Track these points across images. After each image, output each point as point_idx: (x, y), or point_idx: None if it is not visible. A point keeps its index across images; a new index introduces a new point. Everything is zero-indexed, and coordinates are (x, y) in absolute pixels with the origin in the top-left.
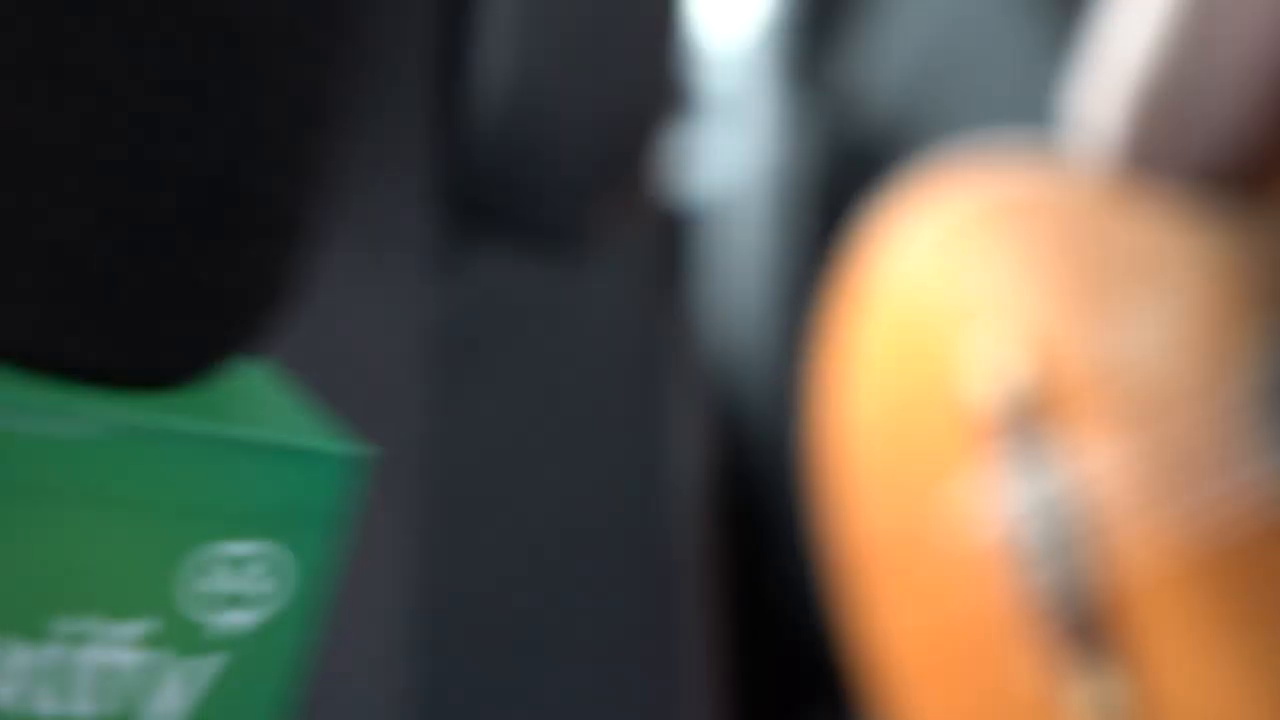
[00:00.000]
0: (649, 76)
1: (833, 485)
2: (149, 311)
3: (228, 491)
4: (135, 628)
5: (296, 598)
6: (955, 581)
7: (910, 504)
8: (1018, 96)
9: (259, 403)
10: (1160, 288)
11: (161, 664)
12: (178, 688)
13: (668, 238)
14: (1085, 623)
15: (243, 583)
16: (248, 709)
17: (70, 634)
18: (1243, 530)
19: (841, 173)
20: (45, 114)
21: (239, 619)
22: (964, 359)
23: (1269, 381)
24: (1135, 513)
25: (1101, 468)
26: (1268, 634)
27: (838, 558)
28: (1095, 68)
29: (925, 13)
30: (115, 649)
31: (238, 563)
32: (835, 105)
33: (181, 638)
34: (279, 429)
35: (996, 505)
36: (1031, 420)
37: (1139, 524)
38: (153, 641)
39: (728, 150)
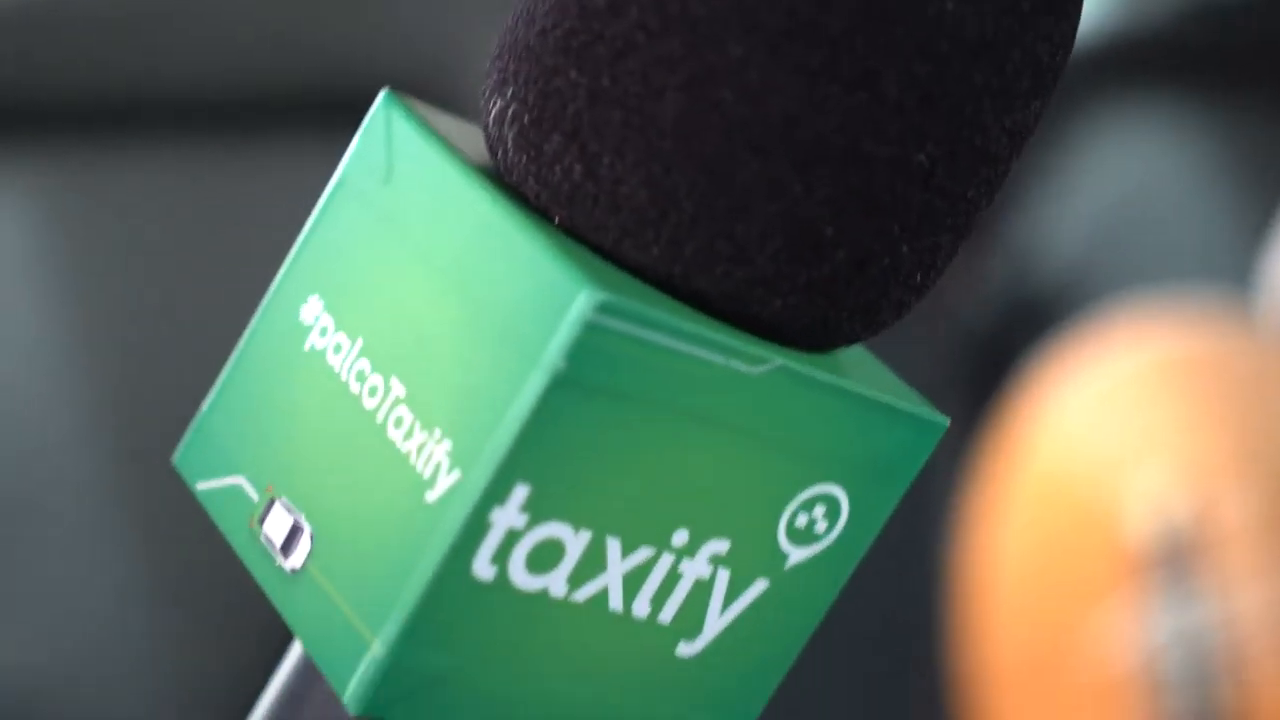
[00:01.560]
0: None
1: (976, 617)
2: (846, 285)
3: (837, 439)
4: (719, 545)
5: (842, 544)
6: (1086, 708)
7: (1050, 634)
8: (1204, 259)
9: (868, 370)
10: None
11: (719, 583)
12: (722, 607)
13: None
14: None
15: (809, 521)
16: (770, 640)
17: (677, 545)
18: None
19: (1012, 326)
20: (828, 108)
21: (794, 553)
22: (1122, 496)
23: None
24: (1274, 651)
25: (1248, 607)
26: None
27: (972, 689)
28: None
29: (1112, 170)
30: (694, 563)
31: (813, 502)
32: (1011, 258)
33: (746, 561)
34: (884, 391)
35: (1139, 635)
36: (1184, 558)
37: (1276, 661)
38: (724, 560)
39: None
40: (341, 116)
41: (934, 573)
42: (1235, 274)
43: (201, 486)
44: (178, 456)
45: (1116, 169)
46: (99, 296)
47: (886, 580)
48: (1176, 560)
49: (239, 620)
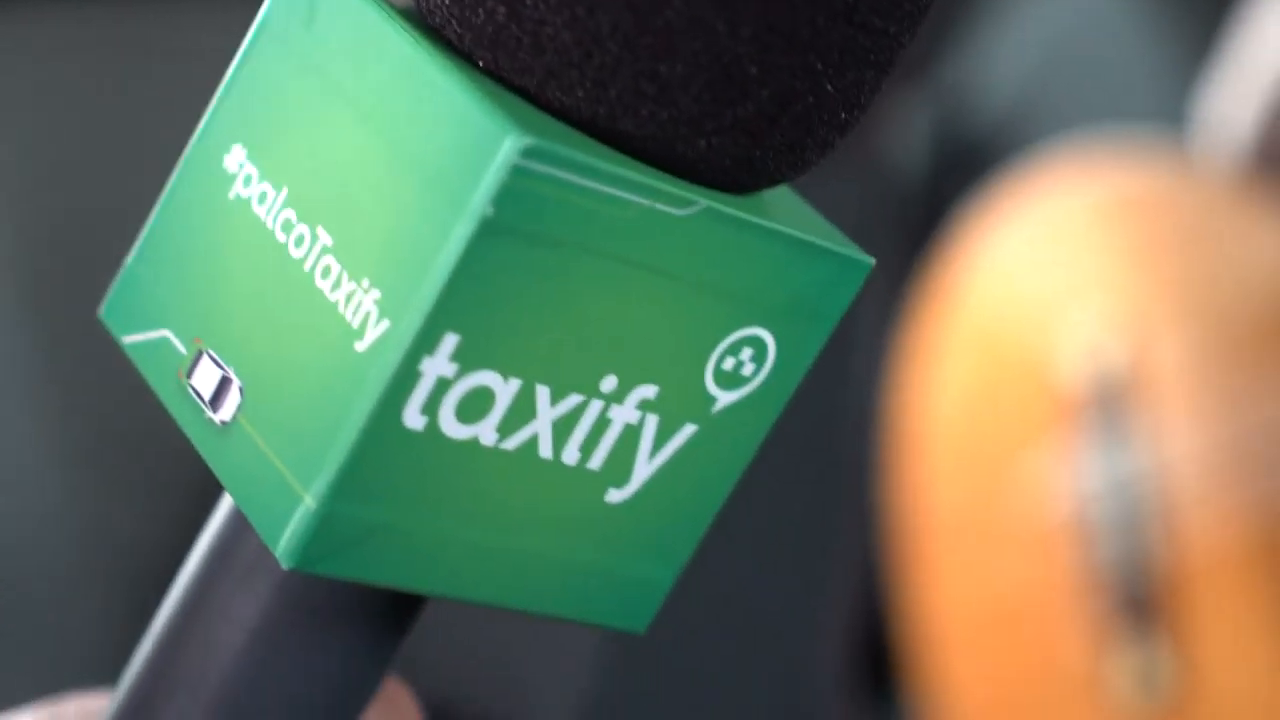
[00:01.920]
0: None
1: (909, 459)
2: (771, 124)
3: (763, 280)
4: (648, 391)
5: (770, 387)
6: (1016, 553)
7: (983, 478)
8: (1141, 99)
9: (793, 210)
10: (1247, 284)
11: (648, 428)
12: (650, 453)
13: None
14: (1140, 599)
15: (736, 364)
16: (698, 485)
17: (605, 391)
18: None
19: (948, 168)
20: None
21: (722, 397)
22: (1057, 339)
23: None
24: (1207, 497)
25: (1180, 452)
26: None
27: (904, 530)
28: (1231, 70)
29: (1048, 13)
30: (622, 409)
31: (740, 345)
32: (946, 99)
33: (674, 406)
34: (809, 231)
35: (1070, 481)
36: (1116, 401)
37: (1209, 508)
38: (652, 406)
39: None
40: None
41: (866, 420)
42: (1172, 114)
43: (128, 340)
44: (104, 309)
45: (1053, 7)
46: (22, 150)
47: (818, 429)
48: (1109, 405)
49: (167, 475)
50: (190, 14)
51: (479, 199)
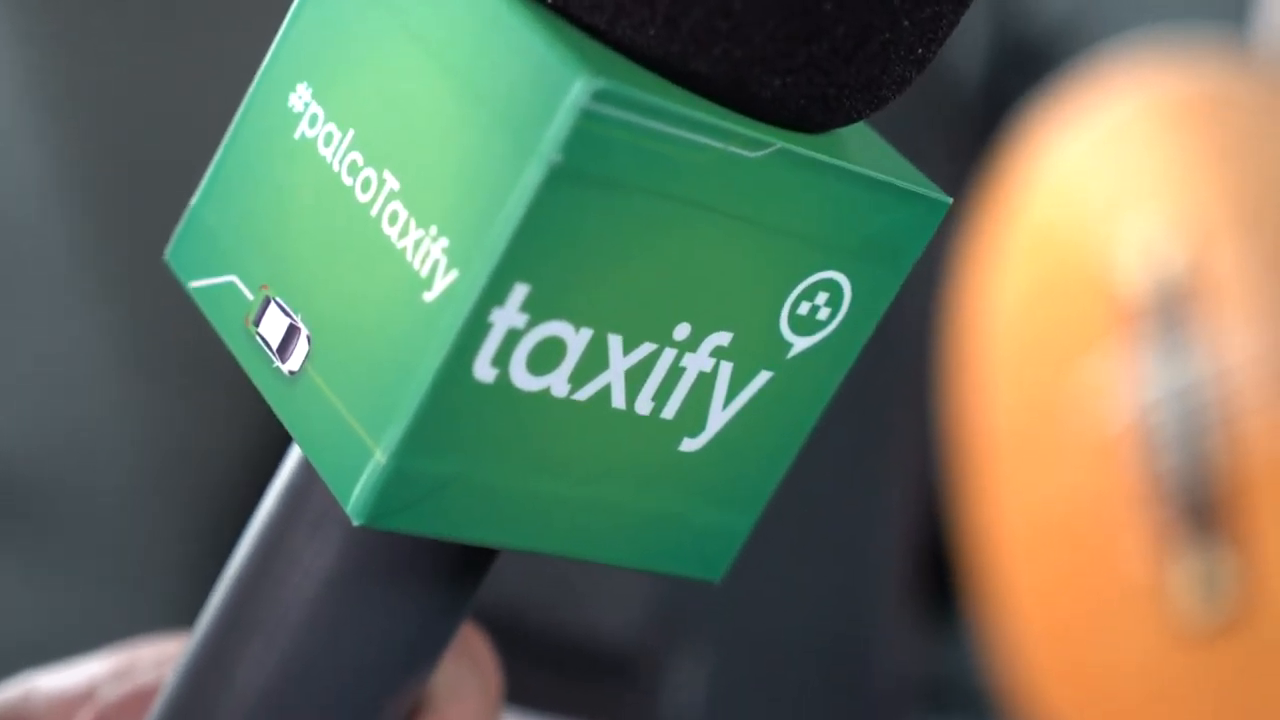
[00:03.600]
0: None
1: (967, 366)
2: (846, 62)
3: (839, 222)
4: (721, 338)
5: (845, 331)
6: (1076, 461)
7: (1042, 385)
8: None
9: (869, 148)
10: None
11: (722, 376)
12: (725, 401)
13: None
14: (1201, 506)
15: (812, 308)
16: (773, 432)
17: (679, 339)
18: None
19: (1007, 71)
20: None
21: (798, 342)
22: (1116, 245)
23: None
24: (1269, 403)
25: (1240, 358)
26: None
27: (963, 437)
28: None
29: None
30: (696, 356)
31: (815, 289)
32: (1004, 3)
33: (749, 353)
34: (886, 170)
35: (1130, 388)
36: (1176, 307)
37: (1271, 414)
38: (726, 353)
39: None
40: None
41: (925, 326)
42: (1233, 15)
43: (194, 285)
44: (169, 252)
45: None
46: (85, 83)
47: (877, 336)
48: (1169, 311)
49: (237, 403)
50: None
51: (547, 144)
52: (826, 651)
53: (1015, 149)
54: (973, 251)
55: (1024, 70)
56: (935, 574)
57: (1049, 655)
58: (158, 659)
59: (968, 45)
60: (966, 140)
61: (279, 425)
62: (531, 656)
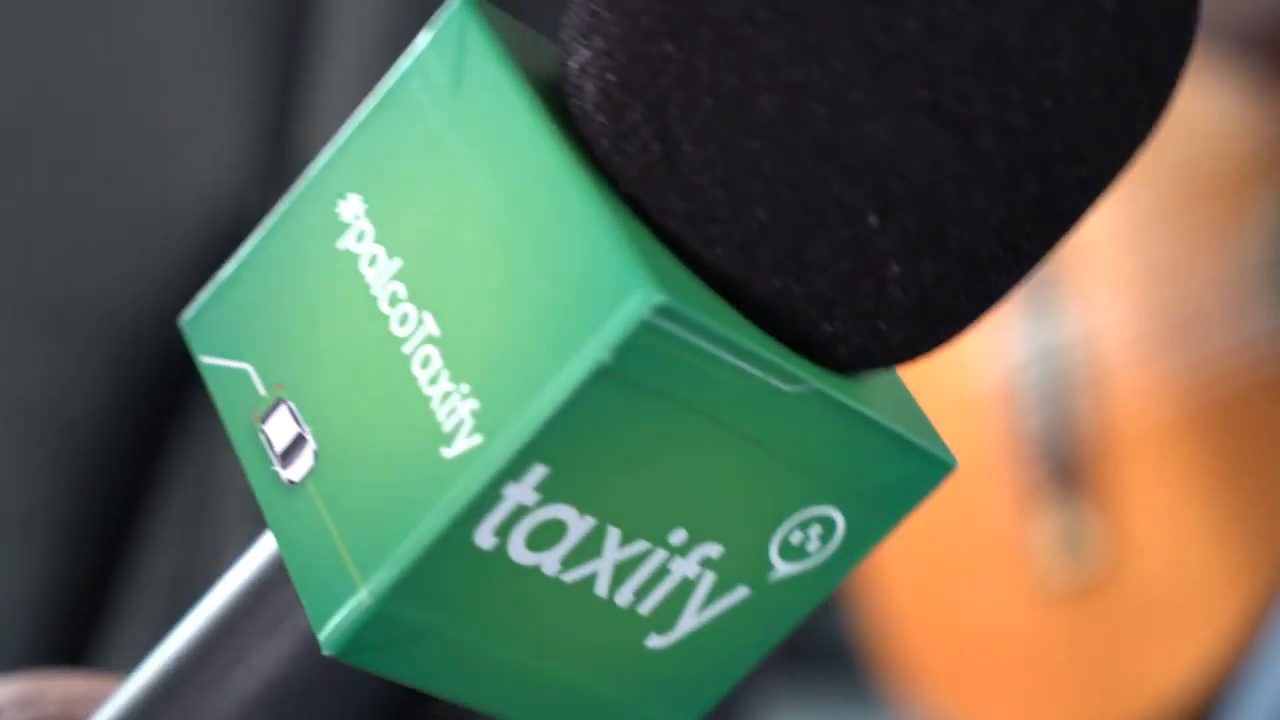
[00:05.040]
0: None
1: None
2: (898, 324)
3: (851, 464)
4: (712, 549)
5: (828, 566)
6: (944, 419)
7: None
8: None
9: (892, 395)
10: (1180, 152)
11: (704, 584)
12: (700, 607)
13: None
14: (1066, 466)
15: (804, 539)
16: (736, 645)
17: (673, 544)
18: (1234, 387)
19: None
20: (920, 145)
21: (782, 568)
22: None
23: (1273, 246)
24: (1134, 365)
25: (1107, 321)
26: (1245, 487)
27: None
28: None
29: None
30: (684, 562)
31: (811, 522)
32: None
33: (734, 568)
34: (904, 422)
35: (998, 349)
36: (1047, 270)
37: (1136, 376)
38: (713, 564)
39: None
40: None
41: None
42: None
43: (206, 360)
44: (188, 318)
45: None
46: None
47: None
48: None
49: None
50: None
51: (599, 343)
52: None
53: None
54: None
55: None
56: None
57: (914, 612)
58: (65, 696)
59: None
60: None
61: (154, 376)
62: None
